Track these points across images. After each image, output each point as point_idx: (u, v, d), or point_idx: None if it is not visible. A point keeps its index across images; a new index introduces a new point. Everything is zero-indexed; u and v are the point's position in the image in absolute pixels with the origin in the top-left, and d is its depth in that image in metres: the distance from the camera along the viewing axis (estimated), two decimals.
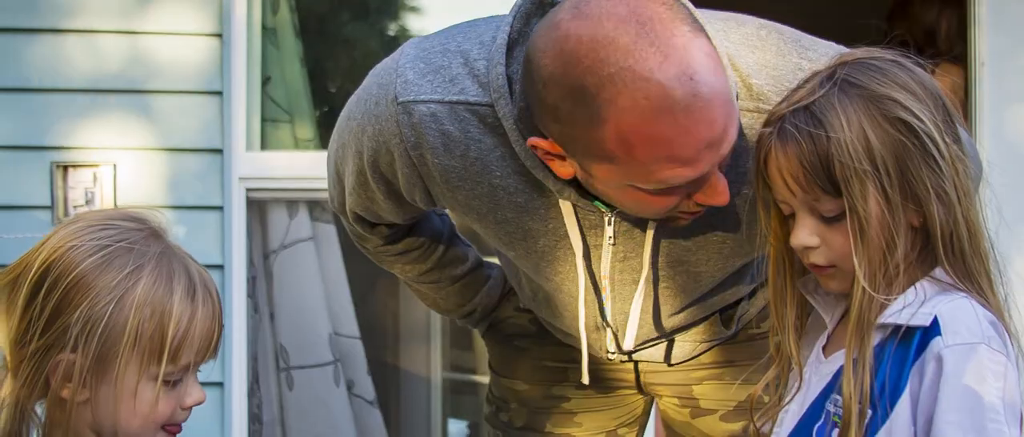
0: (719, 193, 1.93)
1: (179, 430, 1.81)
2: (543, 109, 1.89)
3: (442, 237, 2.45)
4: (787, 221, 1.93)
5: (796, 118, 1.84)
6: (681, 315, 2.30)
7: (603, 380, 2.47)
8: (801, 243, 1.88)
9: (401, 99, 2.07)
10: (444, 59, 2.07)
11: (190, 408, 1.80)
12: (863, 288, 1.83)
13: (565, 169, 1.96)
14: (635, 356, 2.40)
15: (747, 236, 2.09)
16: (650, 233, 2.11)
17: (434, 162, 2.08)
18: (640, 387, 2.49)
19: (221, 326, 1.81)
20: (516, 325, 2.53)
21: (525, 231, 2.14)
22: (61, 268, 1.73)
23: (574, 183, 2.02)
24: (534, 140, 1.93)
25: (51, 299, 1.72)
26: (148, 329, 1.72)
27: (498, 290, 2.53)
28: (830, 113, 1.82)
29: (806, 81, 1.89)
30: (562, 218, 2.11)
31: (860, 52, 1.92)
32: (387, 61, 2.15)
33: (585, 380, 2.28)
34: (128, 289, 1.73)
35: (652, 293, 2.22)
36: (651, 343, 2.36)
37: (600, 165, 1.89)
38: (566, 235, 2.13)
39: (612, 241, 2.13)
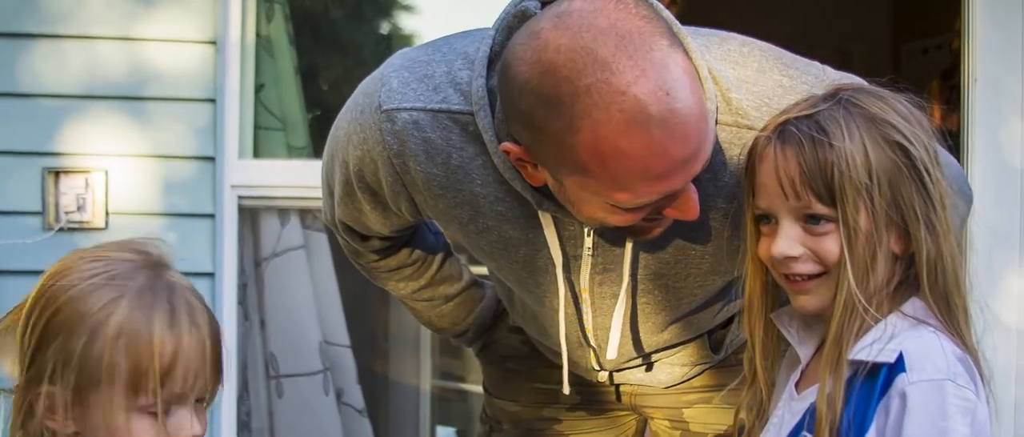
0: (690, 208, 1.93)
1: None
2: (517, 115, 1.90)
3: (436, 255, 2.46)
4: (763, 238, 1.93)
5: (800, 123, 1.85)
6: (665, 334, 2.30)
7: (595, 401, 2.49)
8: (782, 252, 1.88)
9: (385, 107, 2.08)
10: (428, 69, 2.09)
11: None
12: (846, 300, 1.83)
13: (537, 176, 1.96)
14: (619, 377, 2.41)
15: (728, 251, 2.09)
16: (629, 244, 2.11)
17: (417, 169, 2.09)
18: (632, 408, 2.51)
19: (216, 355, 1.77)
20: (509, 346, 2.55)
21: (506, 240, 2.15)
22: (45, 301, 1.74)
23: (549, 193, 2.03)
24: (507, 146, 1.94)
25: (36, 332, 1.73)
26: (124, 360, 1.70)
27: (492, 310, 2.54)
28: (833, 124, 1.84)
29: (804, 99, 1.91)
30: (542, 229, 2.12)
31: (859, 81, 1.94)
32: (374, 73, 2.17)
33: (565, 390, 2.29)
34: (102, 321, 1.71)
35: (631, 306, 2.22)
36: (633, 363, 2.36)
37: (572, 176, 1.90)
38: (546, 245, 2.14)
39: (591, 253, 2.13)
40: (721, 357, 2.40)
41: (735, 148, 2.00)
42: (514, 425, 2.54)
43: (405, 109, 2.07)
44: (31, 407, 1.73)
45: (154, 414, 1.73)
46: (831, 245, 1.85)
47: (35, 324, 1.74)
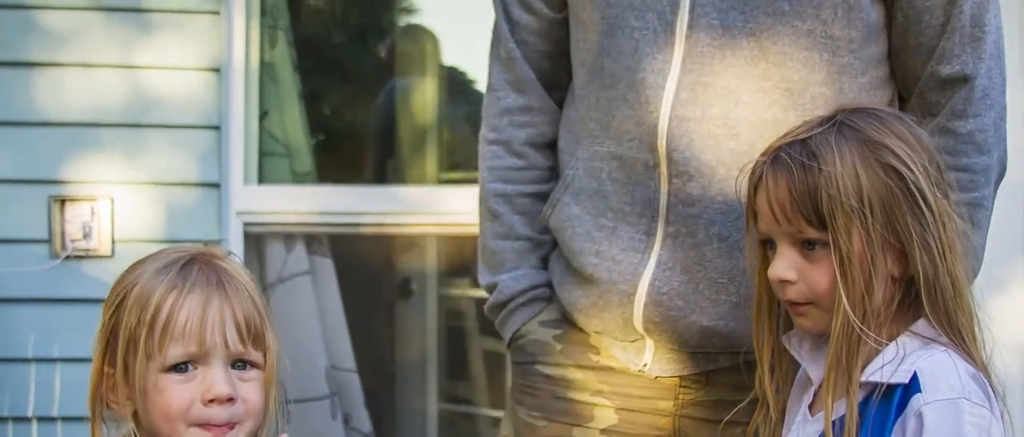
0: None
1: (226, 431, 1.82)
2: None
3: (543, 181, 2.49)
4: (769, 259, 1.95)
5: (791, 149, 1.88)
6: (747, 102, 2.24)
7: (633, 424, 2.35)
8: (778, 276, 1.90)
9: None
10: None
11: (217, 403, 1.81)
12: (842, 325, 1.84)
13: None
14: (657, 339, 2.28)
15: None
16: None
17: None
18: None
19: (243, 320, 1.83)
20: (539, 343, 2.43)
21: None
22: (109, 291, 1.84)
23: None
24: None
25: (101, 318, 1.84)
26: (133, 322, 1.78)
27: (544, 268, 2.49)
28: (825, 149, 1.86)
29: (801, 123, 1.93)
30: None
31: (862, 102, 1.96)
32: None
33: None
34: (128, 292, 1.81)
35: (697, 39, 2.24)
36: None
37: None
38: None
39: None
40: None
41: None
42: None
43: None
44: (98, 392, 1.83)
45: (176, 373, 1.79)
46: (821, 274, 1.87)
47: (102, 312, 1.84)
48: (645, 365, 2.32)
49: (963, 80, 2.25)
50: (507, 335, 2.49)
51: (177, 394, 1.79)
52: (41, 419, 3.61)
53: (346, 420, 4.18)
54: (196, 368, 1.80)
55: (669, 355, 2.31)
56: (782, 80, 2.21)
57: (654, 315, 2.28)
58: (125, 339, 1.78)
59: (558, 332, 2.42)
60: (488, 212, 2.50)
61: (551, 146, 2.49)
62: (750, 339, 2.19)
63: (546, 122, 2.48)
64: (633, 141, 2.28)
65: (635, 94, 2.26)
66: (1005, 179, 3.84)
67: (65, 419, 3.59)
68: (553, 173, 2.49)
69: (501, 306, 2.48)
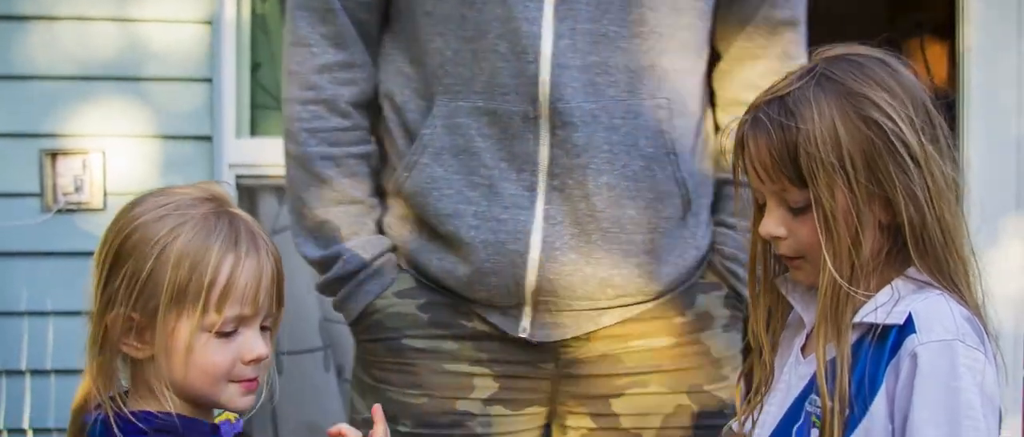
0: None
1: (255, 385, 1.87)
2: None
3: (369, 156, 2.41)
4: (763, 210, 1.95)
5: (770, 108, 1.87)
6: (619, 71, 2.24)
7: (513, 390, 2.32)
8: (768, 232, 1.90)
9: None
10: None
11: (255, 362, 1.85)
12: (829, 281, 1.84)
13: None
14: (548, 296, 2.25)
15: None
16: None
17: None
18: (551, 396, 2.33)
19: (278, 281, 1.87)
20: (401, 316, 2.35)
21: None
22: (117, 230, 1.84)
23: None
24: None
25: (108, 259, 1.83)
26: (184, 279, 1.79)
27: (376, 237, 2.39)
28: (803, 105, 1.84)
29: (781, 78, 1.92)
30: None
31: (843, 48, 1.94)
32: None
33: None
34: (168, 243, 1.80)
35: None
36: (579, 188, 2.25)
37: None
38: None
39: None
40: (692, 268, 2.34)
41: None
42: (416, 424, 2.32)
43: None
44: (106, 332, 1.82)
45: (221, 334, 1.82)
46: (809, 230, 1.86)
47: (108, 252, 1.83)
48: (524, 331, 2.29)
49: (792, 24, 2.35)
50: (355, 310, 2.38)
51: (222, 355, 1.82)
52: (34, 372, 3.61)
53: (339, 372, 4.19)
54: (238, 330, 1.84)
55: (551, 318, 2.28)
56: (657, 25, 2.23)
57: (549, 272, 2.25)
58: (170, 293, 1.80)
59: (421, 302, 2.34)
60: (314, 177, 2.41)
61: (372, 105, 2.41)
62: (642, 287, 2.28)
63: (367, 79, 2.40)
64: (508, 94, 2.24)
65: (508, 44, 2.23)
66: (998, 134, 3.86)
67: (58, 372, 3.59)
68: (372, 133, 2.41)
69: (347, 278, 2.37)
